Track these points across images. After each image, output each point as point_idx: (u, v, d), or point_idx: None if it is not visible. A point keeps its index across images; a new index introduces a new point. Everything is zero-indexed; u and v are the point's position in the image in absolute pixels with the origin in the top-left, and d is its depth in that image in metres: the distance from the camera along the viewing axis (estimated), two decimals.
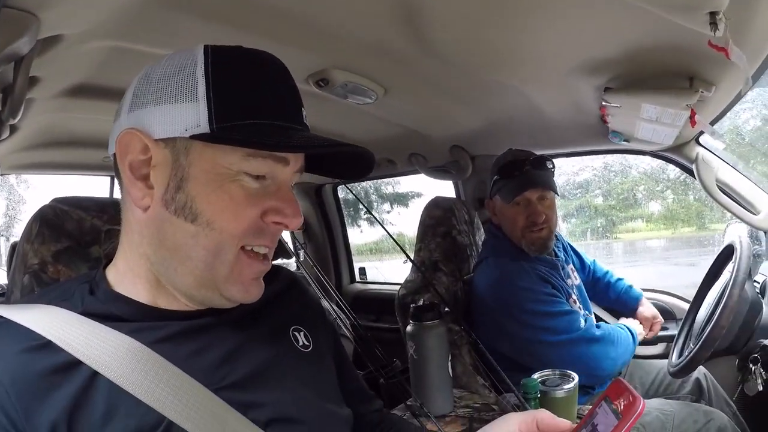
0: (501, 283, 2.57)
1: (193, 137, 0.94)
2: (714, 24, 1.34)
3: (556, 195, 2.70)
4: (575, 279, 2.81)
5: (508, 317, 2.50)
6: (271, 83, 1.01)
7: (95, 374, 0.91)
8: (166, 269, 1.02)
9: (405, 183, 7.02)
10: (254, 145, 0.95)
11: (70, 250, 1.38)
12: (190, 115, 0.94)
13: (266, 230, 1.03)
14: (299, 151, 1.03)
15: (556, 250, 2.84)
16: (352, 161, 1.13)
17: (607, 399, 0.97)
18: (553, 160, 2.67)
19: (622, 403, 0.93)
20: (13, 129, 2.24)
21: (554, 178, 2.69)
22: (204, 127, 0.93)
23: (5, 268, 4.81)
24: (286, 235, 4.23)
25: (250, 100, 0.97)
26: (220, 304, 1.07)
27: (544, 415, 1.06)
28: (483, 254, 2.88)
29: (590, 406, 1.04)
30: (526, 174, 2.61)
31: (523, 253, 2.68)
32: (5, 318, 0.95)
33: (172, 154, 0.98)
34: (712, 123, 2.32)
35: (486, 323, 2.60)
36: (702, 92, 1.91)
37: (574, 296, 2.67)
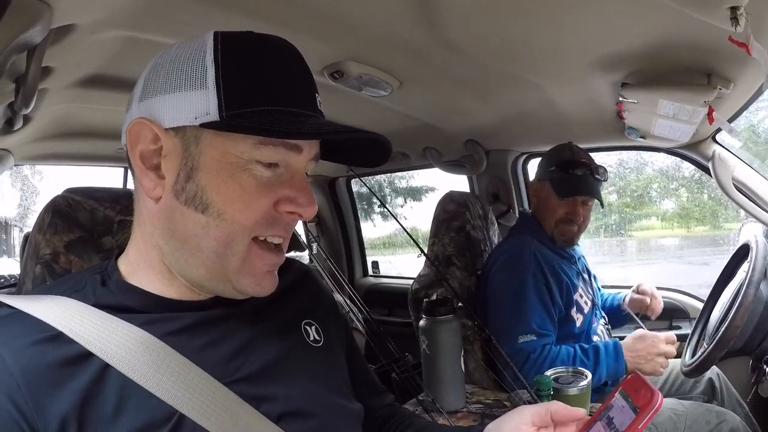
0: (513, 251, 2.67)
1: (203, 125, 0.93)
2: (735, 19, 1.32)
3: (602, 205, 2.76)
4: (586, 279, 2.81)
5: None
6: (283, 69, 0.99)
7: (107, 366, 0.90)
8: (177, 260, 1.02)
9: (419, 177, 6.99)
10: (265, 133, 0.92)
11: (82, 240, 1.38)
12: (200, 103, 0.93)
13: (279, 220, 1.01)
14: (311, 138, 1.00)
15: (577, 251, 2.88)
16: (369, 148, 1.11)
17: (623, 392, 0.96)
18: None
19: (640, 397, 0.92)
20: (27, 119, 2.25)
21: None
22: (214, 115, 0.92)
23: (17, 259, 4.83)
24: (299, 228, 4.23)
25: (261, 87, 0.95)
26: (232, 296, 1.05)
27: (557, 406, 1.06)
28: (510, 233, 2.94)
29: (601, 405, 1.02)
30: (585, 178, 2.65)
31: (552, 239, 2.74)
32: (16, 309, 0.94)
33: (183, 143, 0.97)
34: (730, 120, 2.30)
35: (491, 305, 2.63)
36: (720, 89, 1.90)
37: (580, 290, 2.68)
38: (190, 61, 0.95)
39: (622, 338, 2.51)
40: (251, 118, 0.92)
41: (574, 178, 2.64)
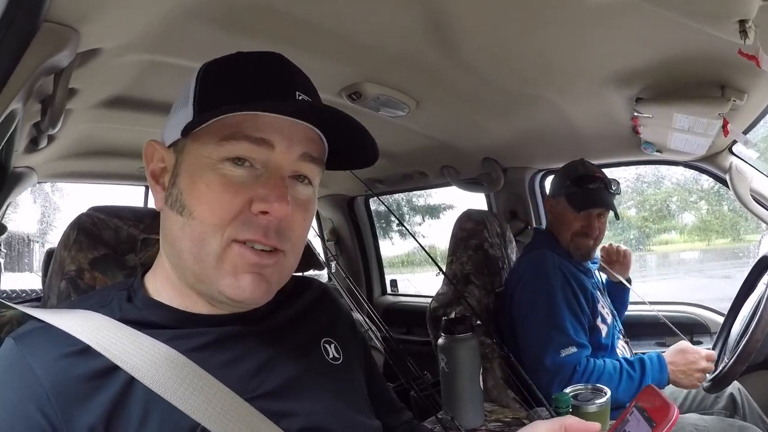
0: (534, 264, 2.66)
1: (182, 133, 0.97)
2: (744, 32, 1.33)
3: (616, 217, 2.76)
4: (602, 291, 2.82)
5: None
6: (260, 71, 1.02)
7: (132, 380, 0.92)
8: (176, 267, 1.04)
9: (436, 195, 6.99)
10: (216, 113, 0.94)
11: (106, 257, 1.39)
12: (185, 116, 1.00)
13: (253, 221, 0.98)
14: (255, 110, 0.97)
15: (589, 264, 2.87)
16: (358, 146, 1.11)
17: (638, 406, 0.97)
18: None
19: (655, 411, 0.92)
20: (51, 138, 2.29)
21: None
22: (189, 120, 0.98)
23: (39, 274, 4.87)
24: (318, 247, 4.24)
25: (233, 88, 1.00)
26: (224, 301, 1.03)
27: (571, 420, 1.05)
28: (526, 249, 2.94)
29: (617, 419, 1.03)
30: (598, 191, 2.66)
31: (567, 255, 2.73)
32: (45, 322, 0.96)
33: (175, 155, 1.04)
34: (745, 132, 2.30)
35: (514, 323, 2.62)
36: (734, 101, 1.90)
37: (602, 302, 2.68)
38: (187, 86, 1.04)
39: (644, 353, 2.50)
40: (216, 113, 0.95)
41: (588, 192, 2.64)
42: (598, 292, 2.74)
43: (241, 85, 1.00)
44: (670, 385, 2.46)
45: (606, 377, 2.29)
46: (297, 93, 1.03)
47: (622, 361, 2.43)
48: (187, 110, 1.01)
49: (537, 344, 2.45)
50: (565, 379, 2.30)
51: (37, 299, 3.46)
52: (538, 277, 2.59)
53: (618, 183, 2.72)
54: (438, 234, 7.46)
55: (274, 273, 1.04)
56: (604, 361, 2.41)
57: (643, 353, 2.51)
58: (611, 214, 2.68)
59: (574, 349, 2.39)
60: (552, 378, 2.35)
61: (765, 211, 2.51)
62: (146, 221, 1.45)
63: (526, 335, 2.54)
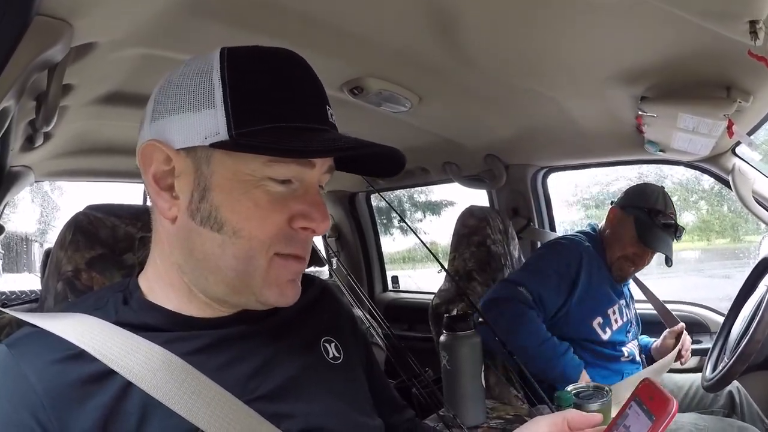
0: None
1: (213, 146, 0.92)
2: (754, 33, 1.32)
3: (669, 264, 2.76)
4: (625, 305, 2.81)
5: None
6: (291, 83, 0.99)
7: (129, 384, 0.91)
8: (198, 278, 1.02)
9: (438, 191, 6.98)
10: (274, 152, 0.92)
11: (103, 257, 1.38)
12: (209, 122, 0.92)
13: (295, 237, 1.00)
14: (319, 156, 0.98)
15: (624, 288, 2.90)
16: (382, 159, 1.09)
17: (638, 399, 0.96)
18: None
19: (655, 405, 0.92)
20: (47, 136, 2.28)
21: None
22: (223, 135, 0.91)
23: (38, 274, 4.84)
24: (319, 243, 4.23)
25: (269, 104, 0.94)
26: (255, 308, 1.05)
27: (573, 414, 1.06)
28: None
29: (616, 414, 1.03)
30: (668, 235, 2.67)
31: (601, 256, 2.76)
32: (39, 327, 0.95)
33: (194, 163, 0.96)
34: (750, 133, 2.30)
35: None
36: (740, 102, 1.90)
37: (615, 309, 2.70)
38: (198, 80, 0.95)
39: None
40: (260, 137, 0.91)
41: (660, 231, 2.65)
42: (623, 301, 2.74)
43: (277, 102, 0.95)
44: (666, 380, 2.48)
45: (531, 328, 2.41)
46: (327, 109, 1.03)
47: (555, 339, 2.48)
48: (210, 114, 0.93)
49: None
50: (490, 310, 2.43)
51: (35, 300, 3.45)
52: (556, 246, 2.74)
53: (683, 230, 2.75)
54: (439, 230, 7.45)
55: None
56: (547, 330, 2.47)
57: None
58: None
59: (521, 290, 2.48)
60: (493, 292, 2.51)
61: (767, 212, 2.51)
62: (144, 219, 1.43)
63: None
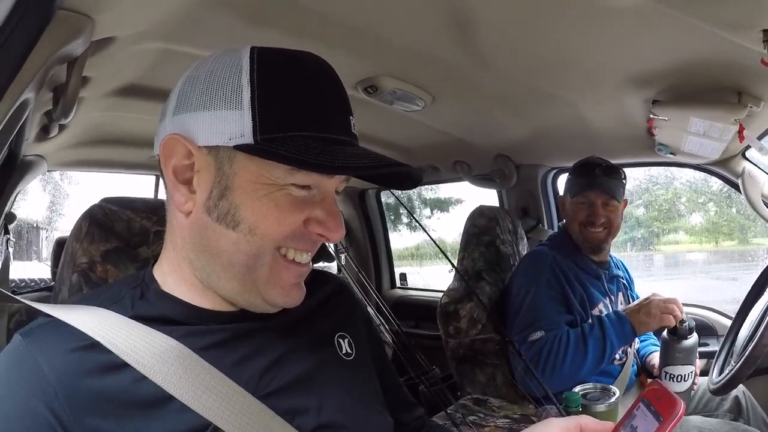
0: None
1: (237, 147, 0.93)
2: (767, 42, 1.33)
3: (621, 203, 2.72)
4: (614, 300, 2.79)
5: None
6: (318, 92, 0.99)
7: (143, 378, 0.92)
8: (209, 274, 1.02)
9: (446, 188, 6.99)
10: (298, 164, 0.92)
11: (118, 250, 1.39)
12: (235, 124, 0.93)
13: (307, 236, 1.01)
14: (342, 173, 0.99)
15: (614, 270, 2.85)
16: (401, 174, 1.09)
17: (645, 401, 0.97)
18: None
19: (662, 406, 0.93)
20: (62, 127, 2.29)
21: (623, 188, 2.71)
22: (248, 138, 0.92)
23: (47, 263, 4.85)
24: None
25: (296, 111, 0.95)
26: (264, 309, 1.06)
27: (587, 420, 1.05)
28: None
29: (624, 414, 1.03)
30: (595, 177, 2.63)
31: (578, 252, 2.73)
32: (53, 317, 0.96)
33: (216, 161, 0.97)
34: (760, 138, 2.30)
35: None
36: (751, 107, 1.90)
37: (601, 307, 2.65)
38: (226, 79, 0.95)
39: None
40: (285, 145, 0.92)
41: (584, 178, 2.65)
42: (608, 300, 2.72)
43: (304, 111, 0.96)
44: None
45: (572, 347, 2.33)
46: (351, 120, 1.03)
47: (585, 326, 2.45)
48: (237, 116, 0.93)
49: (516, 334, 2.49)
50: (535, 364, 2.34)
51: (47, 289, 3.46)
52: (527, 272, 2.66)
53: (621, 169, 2.69)
54: (446, 227, 7.45)
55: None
56: (567, 331, 2.42)
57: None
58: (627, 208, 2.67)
59: (541, 333, 2.42)
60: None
61: None
62: (159, 213, 1.42)
63: (511, 325, 2.57)
